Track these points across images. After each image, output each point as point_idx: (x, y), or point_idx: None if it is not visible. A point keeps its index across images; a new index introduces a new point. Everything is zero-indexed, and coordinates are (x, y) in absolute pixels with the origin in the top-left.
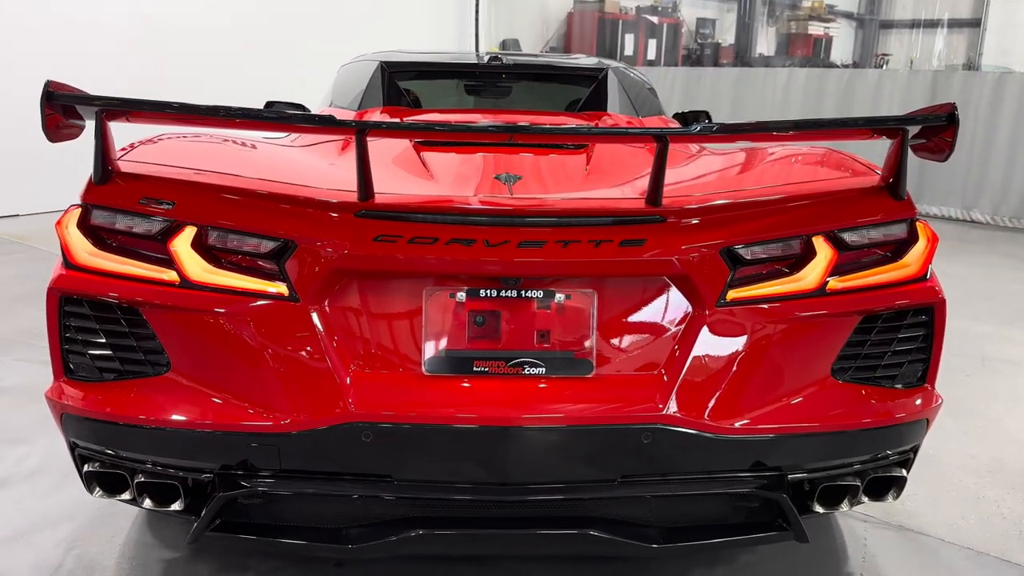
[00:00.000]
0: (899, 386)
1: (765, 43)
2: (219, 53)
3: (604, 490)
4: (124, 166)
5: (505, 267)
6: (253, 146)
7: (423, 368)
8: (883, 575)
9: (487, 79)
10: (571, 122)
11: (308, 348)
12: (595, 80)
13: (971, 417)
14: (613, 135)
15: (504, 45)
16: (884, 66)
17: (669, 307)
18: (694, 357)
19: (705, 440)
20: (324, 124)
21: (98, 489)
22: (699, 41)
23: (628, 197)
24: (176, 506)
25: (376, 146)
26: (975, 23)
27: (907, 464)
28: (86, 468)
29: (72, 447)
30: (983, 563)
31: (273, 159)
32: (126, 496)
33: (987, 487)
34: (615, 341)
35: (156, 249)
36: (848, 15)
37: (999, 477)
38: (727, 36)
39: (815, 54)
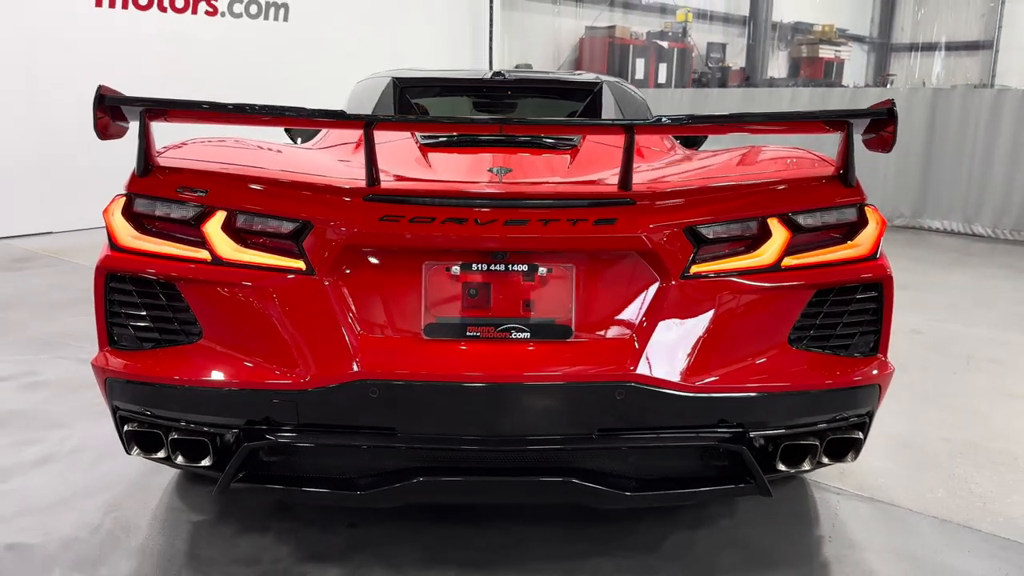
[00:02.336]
0: (852, 354)
1: (776, 67)
2: (244, 77)
3: (583, 442)
4: (163, 161)
5: (493, 243)
6: (278, 149)
7: (422, 333)
8: (850, 536)
9: (491, 93)
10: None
11: (322, 316)
12: (591, 93)
13: (950, 408)
14: (584, 126)
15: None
16: (888, 85)
17: (639, 280)
18: (661, 323)
19: (671, 397)
20: (336, 118)
21: (136, 448)
22: (709, 65)
23: (604, 184)
24: (206, 462)
25: (387, 148)
26: (988, 45)
27: (863, 428)
28: (126, 428)
29: (114, 410)
30: (945, 529)
31: (294, 157)
32: (160, 455)
33: (959, 467)
34: (592, 310)
35: (190, 232)
36: (859, 39)
37: (971, 458)
38: (738, 60)
39: (826, 77)
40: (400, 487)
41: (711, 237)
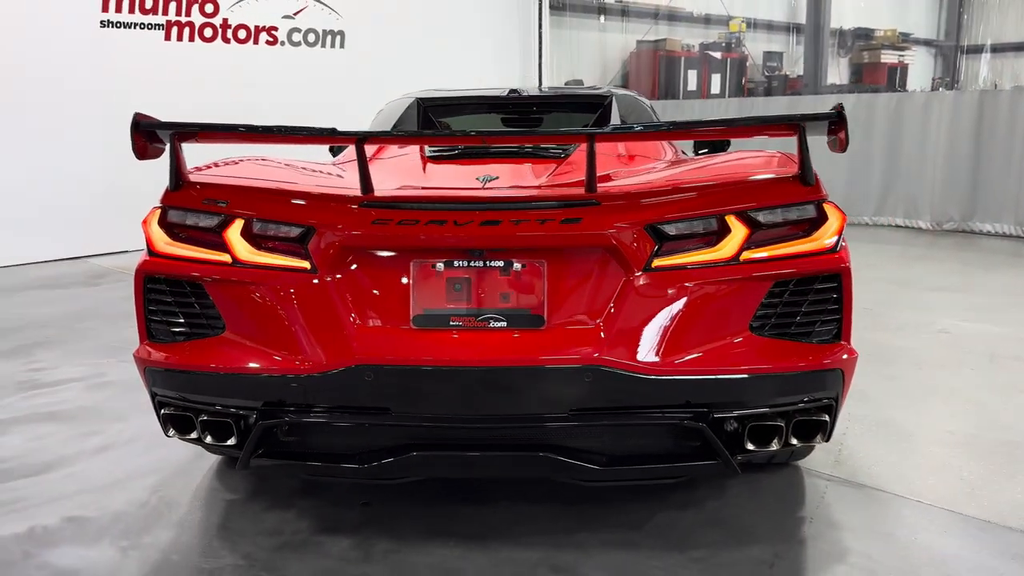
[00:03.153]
0: (814, 341)
1: (837, 73)
2: (303, 102)
3: (557, 420)
4: (194, 177)
5: (471, 241)
6: (298, 165)
7: (411, 323)
8: (832, 517)
9: (508, 109)
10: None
11: (324, 309)
12: (600, 106)
13: (961, 403)
14: (548, 135)
15: (568, 86)
16: (940, 89)
17: (605, 273)
18: (625, 312)
19: (634, 379)
20: (329, 135)
21: (172, 430)
22: (766, 74)
23: (573, 188)
24: (231, 441)
25: (395, 161)
26: None
27: (830, 411)
28: (163, 412)
29: (153, 396)
30: (927, 512)
31: (305, 172)
32: (193, 436)
33: (955, 457)
34: (562, 301)
35: (214, 238)
36: (926, 42)
37: (970, 449)
38: (795, 68)
39: (889, 82)
40: (396, 461)
41: (672, 233)
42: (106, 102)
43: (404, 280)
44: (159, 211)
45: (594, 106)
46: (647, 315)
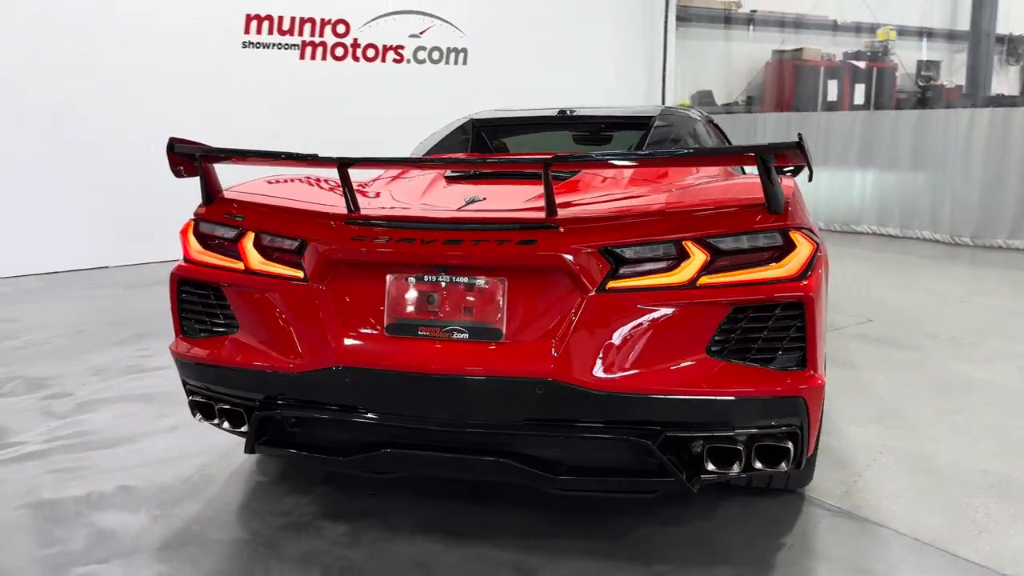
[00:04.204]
0: (774, 367)
1: (1006, 83)
2: (427, 116)
3: (513, 428)
4: (226, 194)
5: (435, 258)
6: (310, 182)
7: (385, 331)
8: (814, 547)
9: (557, 129)
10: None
11: (312, 314)
12: (646, 126)
13: (1013, 443)
14: (509, 163)
15: (696, 98)
16: None
17: (561, 292)
18: (577, 330)
19: (584, 394)
20: (311, 160)
21: (198, 414)
22: (920, 84)
23: (533, 211)
24: (243, 428)
25: (411, 182)
26: None
27: (795, 438)
28: (190, 399)
29: (184, 384)
30: (919, 551)
31: (316, 191)
32: (215, 421)
33: (977, 498)
34: (520, 316)
35: (232, 247)
36: None
37: (998, 491)
38: (954, 78)
39: None
40: (371, 457)
41: (628, 257)
42: (246, 116)
43: (380, 291)
44: (193, 223)
45: (641, 125)
46: (599, 333)
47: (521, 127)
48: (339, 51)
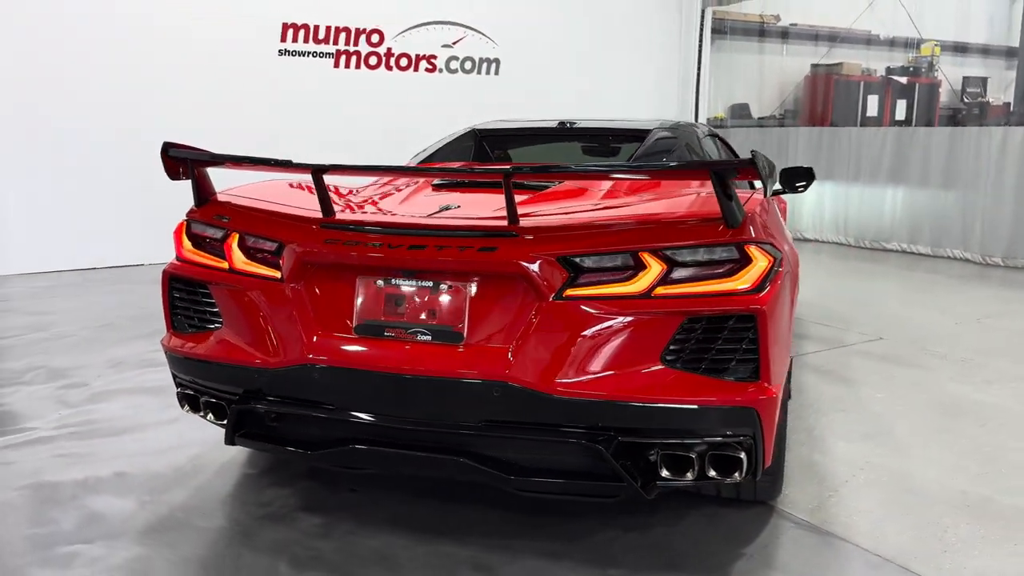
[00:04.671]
0: (728, 378)
1: None
2: (459, 125)
3: (471, 429)
4: (218, 196)
5: (400, 263)
6: (301, 186)
7: (354, 331)
8: (773, 559)
9: (557, 140)
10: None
11: (287, 313)
12: (643, 139)
13: (1002, 465)
14: (472, 174)
15: (732, 111)
16: None
17: (520, 298)
18: (534, 335)
19: (539, 398)
20: (286, 166)
21: (186, 406)
22: (966, 100)
23: (496, 219)
24: (226, 420)
25: (397, 188)
26: None
27: (749, 449)
28: (178, 391)
29: (174, 377)
30: (879, 568)
31: (304, 195)
32: (201, 413)
33: (950, 517)
34: (480, 321)
35: (219, 247)
36: None
37: (974, 512)
38: (1002, 95)
39: None
40: (337, 451)
41: (585, 266)
42: (281, 122)
43: (351, 293)
44: (185, 223)
45: (639, 138)
46: (555, 340)
47: (522, 138)
48: (373, 60)
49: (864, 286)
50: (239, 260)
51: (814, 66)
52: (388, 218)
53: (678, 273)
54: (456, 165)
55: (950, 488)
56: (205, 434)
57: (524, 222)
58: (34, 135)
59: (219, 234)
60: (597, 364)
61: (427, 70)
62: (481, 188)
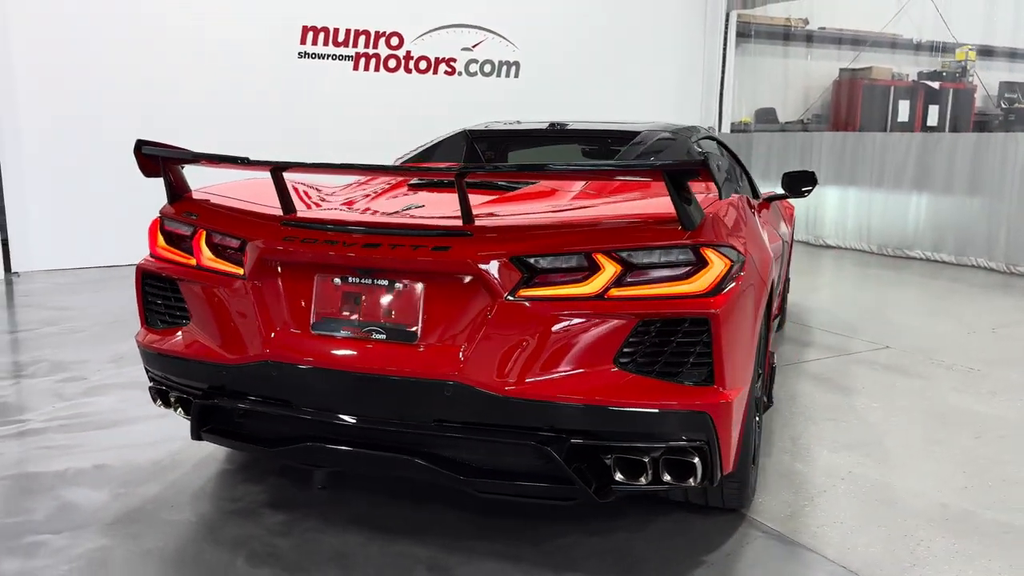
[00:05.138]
0: (682, 381)
1: None
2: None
3: (423, 428)
4: (193, 194)
5: (355, 261)
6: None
7: (311, 329)
8: (733, 568)
9: (548, 142)
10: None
11: (248, 310)
12: (630, 142)
13: (989, 479)
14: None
15: (758, 115)
16: None
17: (473, 298)
18: (486, 336)
19: (490, 398)
20: (244, 163)
21: (158, 400)
22: (1003, 106)
23: (451, 219)
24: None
25: (371, 187)
26: None
27: (704, 454)
28: (150, 386)
29: (146, 371)
30: None
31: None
32: (172, 408)
33: (925, 530)
34: (435, 320)
35: (188, 244)
36: None
37: (951, 525)
38: None
39: None
40: (295, 448)
41: (539, 266)
42: (300, 124)
43: (309, 290)
44: (159, 220)
45: (628, 140)
46: (507, 340)
47: (514, 139)
48: (392, 63)
49: (880, 294)
50: (206, 257)
51: (843, 70)
52: (347, 216)
53: (633, 275)
54: (428, 165)
55: (931, 500)
56: (187, 430)
57: (481, 222)
58: (59, 135)
59: (188, 231)
60: (548, 365)
61: (446, 73)
62: (447, 188)
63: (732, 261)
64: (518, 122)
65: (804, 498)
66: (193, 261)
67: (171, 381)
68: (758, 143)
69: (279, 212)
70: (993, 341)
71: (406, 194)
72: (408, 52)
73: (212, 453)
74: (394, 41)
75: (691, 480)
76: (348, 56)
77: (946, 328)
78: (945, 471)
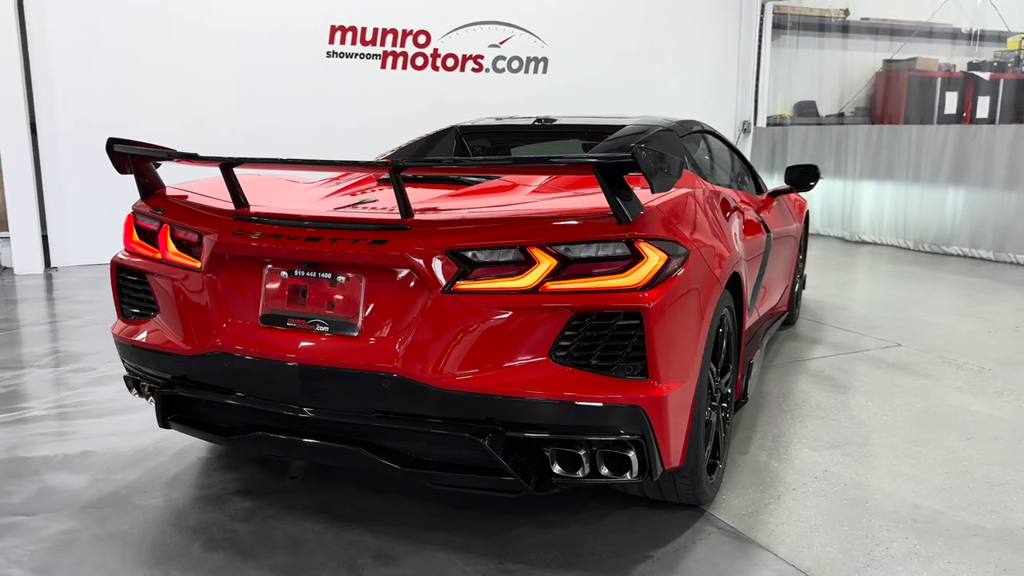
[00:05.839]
0: (617, 375)
1: None
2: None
3: (363, 419)
4: (166, 190)
5: (297, 254)
6: (269, 181)
7: (260, 321)
8: (681, 563)
9: (535, 137)
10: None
11: (204, 302)
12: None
13: (969, 480)
14: (353, 165)
15: (797, 108)
16: None
17: (412, 291)
18: (423, 328)
19: (426, 390)
20: (192, 159)
21: (133, 389)
22: None
23: (389, 213)
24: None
25: (339, 183)
26: None
27: (639, 448)
28: (124, 374)
29: (122, 361)
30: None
31: (249, 189)
32: (144, 397)
33: (889, 531)
34: (375, 312)
35: (155, 238)
36: None
37: (915, 527)
38: None
39: None
40: (245, 437)
41: (475, 260)
42: (328, 122)
43: (258, 283)
44: (132, 215)
45: (607, 135)
46: (443, 333)
47: (504, 135)
48: (419, 61)
49: (907, 291)
50: (170, 251)
51: (887, 61)
52: (295, 210)
53: (569, 269)
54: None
55: (903, 501)
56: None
57: (423, 216)
58: (96, 137)
59: (156, 225)
60: (484, 358)
61: (473, 70)
62: (418, 183)
63: (669, 255)
64: (510, 118)
65: (771, 496)
66: (159, 255)
67: (141, 371)
68: (792, 137)
69: (229, 206)
70: (1014, 340)
71: (373, 189)
72: (435, 50)
73: (195, 442)
74: (421, 39)
75: (627, 474)
76: (376, 55)
77: (967, 326)
78: (925, 472)
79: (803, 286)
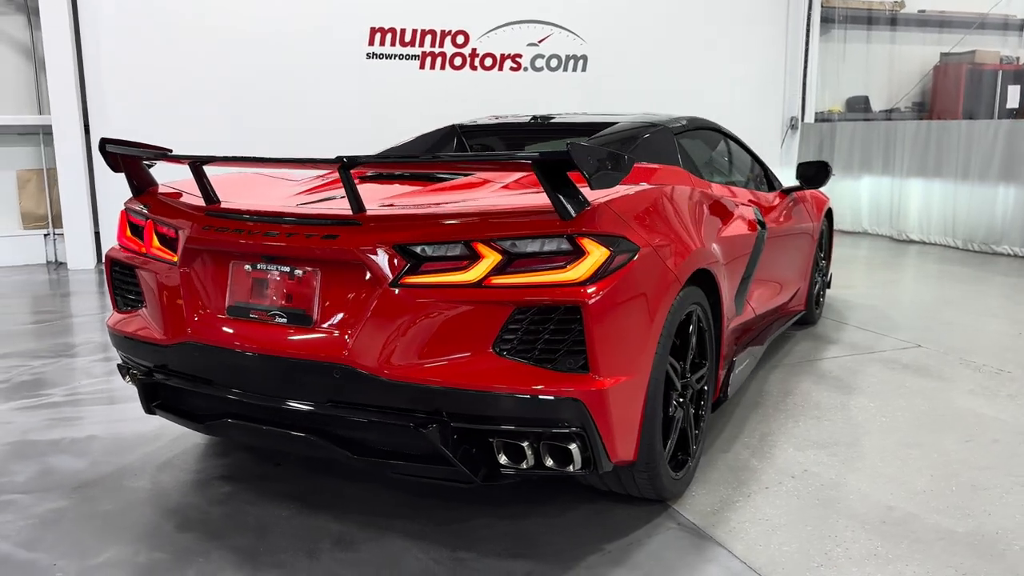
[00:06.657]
0: (558, 369)
1: None
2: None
3: (317, 407)
4: (158, 188)
5: (256, 249)
6: (253, 178)
7: (226, 312)
8: (633, 557)
9: (532, 135)
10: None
11: (178, 294)
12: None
13: (955, 484)
14: (301, 162)
15: (849, 104)
16: None
17: (362, 285)
18: (372, 321)
19: (373, 381)
20: (168, 157)
21: (126, 377)
22: None
23: (342, 208)
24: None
25: (322, 180)
26: None
27: (581, 440)
28: (117, 363)
29: (116, 350)
30: (734, 573)
31: (228, 187)
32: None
33: (854, 531)
34: (329, 305)
35: (141, 233)
36: None
37: (882, 529)
38: None
39: None
40: (216, 424)
41: (422, 254)
42: (368, 123)
43: (225, 277)
44: (125, 211)
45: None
46: (391, 325)
47: (502, 134)
48: (457, 61)
49: (945, 291)
50: (154, 245)
51: (944, 55)
52: (259, 206)
53: (513, 264)
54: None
55: (877, 503)
56: None
57: (375, 212)
58: (145, 137)
59: (143, 221)
60: (429, 350)
61: (512, 69)
62: (395, 180)
63: (613, 251)
64: (509, 116)
65: (741, 494)
66: (144, 249)
67: (129, 360)
68: (841, 133)
69: (209, 203)
70: None
71: (335, 187)
72: (474, 50)
73: (186, 433)
74: (460, 39)
75: (571, 467)
76: (415, 56)
77: (995, 328)
78: (910, 474)
79: (827, 286)
